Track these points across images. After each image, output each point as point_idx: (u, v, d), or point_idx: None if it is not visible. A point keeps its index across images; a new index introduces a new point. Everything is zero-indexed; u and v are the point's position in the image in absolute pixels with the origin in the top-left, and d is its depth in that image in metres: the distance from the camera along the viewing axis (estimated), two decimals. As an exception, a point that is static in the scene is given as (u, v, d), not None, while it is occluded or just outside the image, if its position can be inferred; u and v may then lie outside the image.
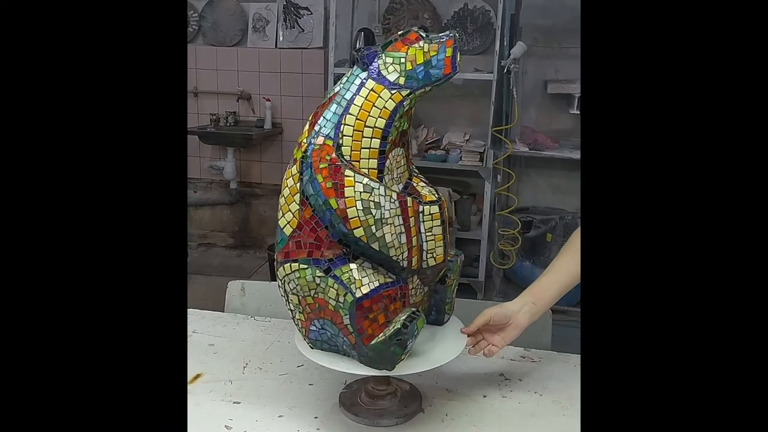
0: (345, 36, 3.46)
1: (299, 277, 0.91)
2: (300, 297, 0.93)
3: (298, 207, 0.90)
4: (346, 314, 0.90)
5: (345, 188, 0.86)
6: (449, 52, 0.90)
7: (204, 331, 1.32)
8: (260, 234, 4.29)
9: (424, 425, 1.01)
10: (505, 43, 3.07)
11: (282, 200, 0.93)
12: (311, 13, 3.84)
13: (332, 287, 0.90)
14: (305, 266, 0.91)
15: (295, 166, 0.92)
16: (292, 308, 0.96)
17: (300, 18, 3.86)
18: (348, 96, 0.88)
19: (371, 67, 0.89)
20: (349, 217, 0.87)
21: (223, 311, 1.46)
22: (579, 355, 1.17)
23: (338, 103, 0.89)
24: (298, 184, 0.91)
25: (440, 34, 0.91)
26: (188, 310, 1.25)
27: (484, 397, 1.08)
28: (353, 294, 0.88)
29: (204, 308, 1.42)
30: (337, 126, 0.88)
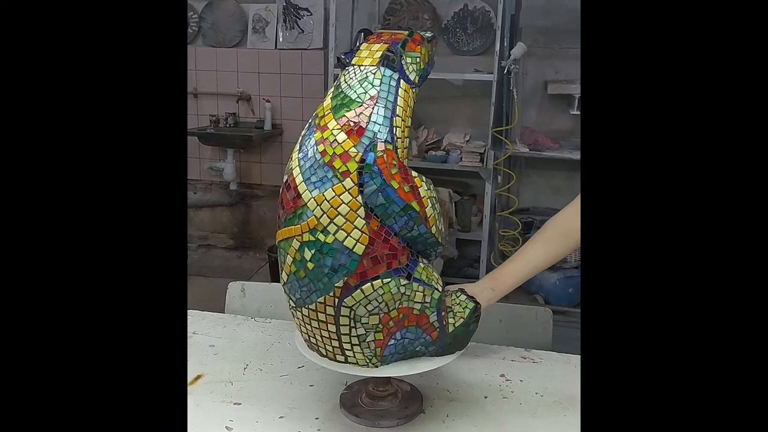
0: (345, 37, 3.47)
1: (383, 293, 0.87)
2: (382, 315, 0.88)
3: (364, 221, 0.84)
4: (433, 312, 0.91)
5: (419, 189, 0.87)
6: (433, 51, 0.94)
7: (204, 333, 1.31)
8: (260, 235, 4.29)
9: (425, 426, 1.01)
10: (505, 44, 3.08)
11: (340, 220, 0.83)
12: (311, 14, 3.84)
13: (418, 291, 0.89)
14: (388, 279, 0.86)
15: (348, 179, 0.83)
16: (364, 332, 0.89)
17: (300, 19, 3.86)
18: (391, 98, 0.87)
19: (401, 68, 0.89)
20: (428, 216, 0.87)
21: (224, 312, 1.46)
22: (579, 356, 1.18)
23: (384, 107, 0.86)
24: (359, 197, 0.84)
25: (426, 35, 0.94)
26: (188, 311, 1.25)
27: (485, 397, 1.08)
28: (438, 290, 0.91)
29: (204, 309, 1.42)
30: (390, 129, 0.86)
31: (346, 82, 0.90)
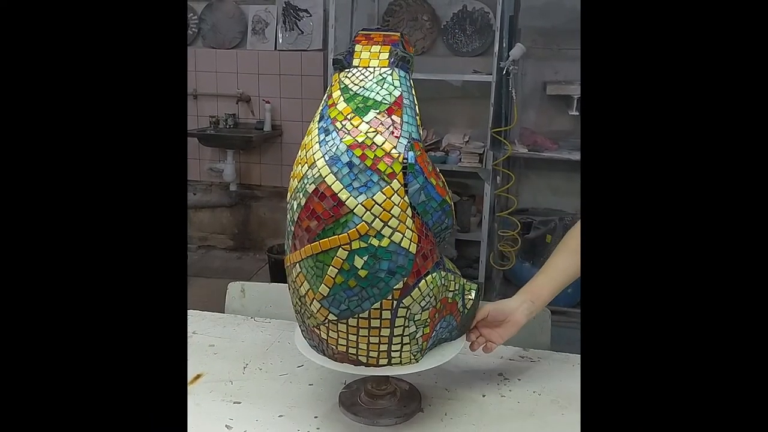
0: (344, 38, 3.47)
1: (433, 287, 0.89)
2: (431, 309, 0.91)
3: (412, 220, 0.85)
4: (459, 297, 0.97)
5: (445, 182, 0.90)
6: None
7: (204, 332, 1.32)
8: (260, 236, 4.29)
9: (424, 425, 1.01)
10: (504, 45, 3.08)
11: (394, 222, 0.84)
12: (310, 15, 3.85)
13: (452, 280, 0.95)
14: (434, 273, 0.89)
15: (396, 180, 0.83)
16: (415, 329, 0.91)
17: (299, 20, 3.86)
18: (411, 98, 0.88)
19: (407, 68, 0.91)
20: (452, 206, 0.91)
21: (223, 313, 1.46)
22: (578, 355, 1.18)
23: (409, 107, 0.87)
24: (405, 197, 0.85)
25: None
26: (188, 311, 1.26)
27: (483, 396, 1.09)
28: (460, 275, 0.97)
29: (204, 310, 1.43)
30: (416, 128, 0.87)
31: (357, 84, 0.88)
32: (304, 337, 0.99)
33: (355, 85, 0.89)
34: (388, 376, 1.02)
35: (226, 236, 4.37)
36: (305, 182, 0.86)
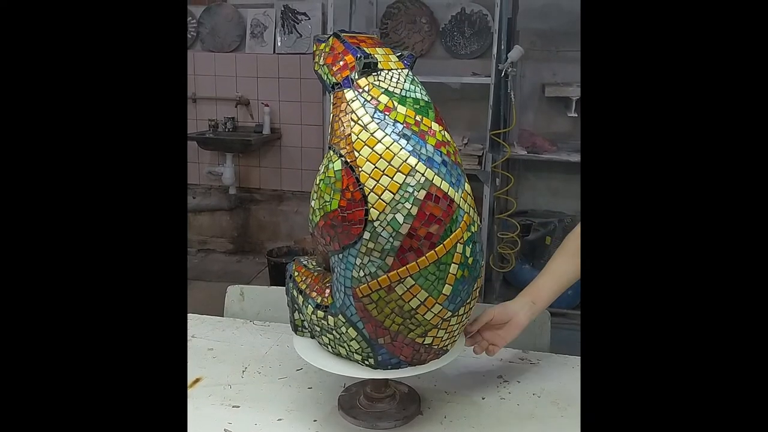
0: (343, 41, 3.46)
1: None
2: None
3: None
4: None
5: None
6: None
7: (203, 336, 1.32)
8: (259, 239, 4.29)
9: (423, 427, 1.01)
10: (503, 47, 3.08)
11: (475, 207, 0.92)
12: (309, 19, 3.85)
13: None
14: None
15: (466, 181, 0.91)
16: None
17: (298, 23, 3.87)
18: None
19: None
20: None
21: (222, 316, 1.46)
22: (577, 357, 1.18)
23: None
24: None
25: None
26: (187, 315, 1.26)
27: (483, 399, 1.09)
28: None
29: (203, 313, 1.42)
30: None
31: (397, 87, 0.88)
32: (373, 360, 0.93)
33: (396, 87, 0.88)
34: (387, 379, 1.02)
35: (226, 240, 4.37)
36: (409, 190, 0.83)
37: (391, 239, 0.83)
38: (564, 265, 1.12)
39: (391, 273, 0.85)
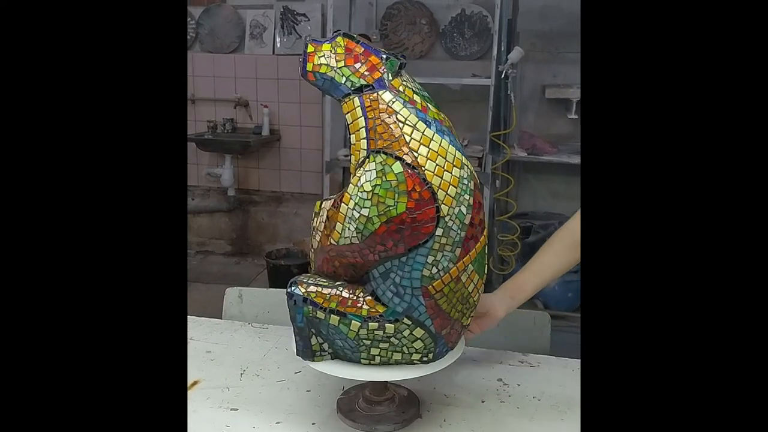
0: (342, 42, 3.46)
1: None
2: None
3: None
4: None
5: None
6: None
7: (201, 338, 1.31)
8: (258, 241, 4.29)
9: (422, 431, 1.00)
10: (503, 48, 3.08)
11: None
12: (308, 20, 3.85)
13: None
14: None
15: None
16: None
17: (297, 24, 3.87)
18: None
19: None
20: None
21: (221, 318, 1.46)
22: (577, 360, 1.18)
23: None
24: None
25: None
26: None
27: (482, 402, 1.08)
28: None
29: (202, 316, 1.42)
30: None
31: (415, 86, 0.90)
32: (432, 354, 0.95)
33: (416, 87, 0.90)
34: (386, 381, 1.02)
35: (225, 241, 4.37)
36: (465, 182, 0.86)
37: (459, 231, 0.86)
38: (548, 262, 1.14)
39: (459, 263, 0.88)
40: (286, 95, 3.98)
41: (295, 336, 0.95)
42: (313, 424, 1.02)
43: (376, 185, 0.83)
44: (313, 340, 0.94)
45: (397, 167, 0.83)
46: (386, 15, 3.67)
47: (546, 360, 1.24)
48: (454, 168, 0.85)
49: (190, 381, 1.13)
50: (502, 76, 3.03)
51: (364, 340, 0.91)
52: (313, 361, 0.96)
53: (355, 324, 0.90)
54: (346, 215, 0.85)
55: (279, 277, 3.62)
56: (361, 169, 0.84)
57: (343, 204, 0.85)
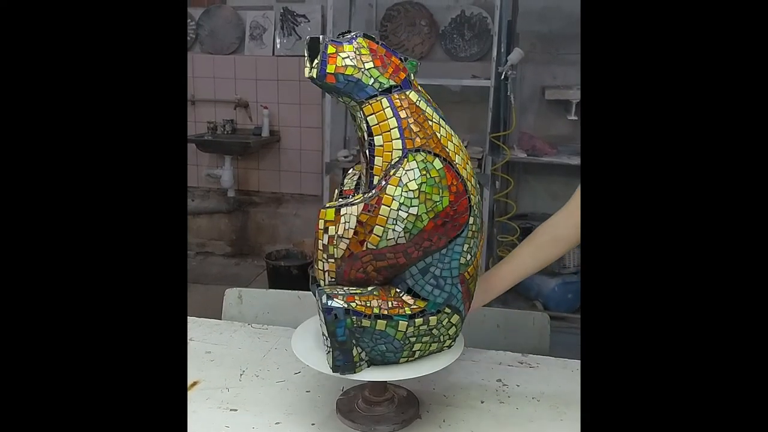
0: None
1: None
2: None
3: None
4: None
5: None
6: None
7: (201, 339, 1.31)
8: (258, 242, 4.28)
9: (422, 431, 1.00)
10: (503, 50, 3.08)
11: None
12: (308, 21, 3.85)
13: None
14: None
15: None
16: None
17: (297, 25, 3.87)
18: None
19: None
20: None
21: (221, 319, 1.46)
22: (577, 361, 1.18)
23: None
24: None
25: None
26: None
27: (482, 402, 1.08)
28: None
29: (201, 316, 1.42)
30: None
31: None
32: (457, 336, 1.00)
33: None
34: (385, 382, 1.02)
35: (224, 242, 4.37)
36: (476, 173, 0.94)
37: (480, 216, 0.93)
38: (527, 257, 1.14)
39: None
40: (286, 96, 3.98)
41: (333, 351, 0.89)
42: (313, 424, 1.02)
43: (422, 183, 0.85)
44: (354, 352, 0.91)
45: (438, 163, 0.86)
46: (386, 16, 3.67)
47: (545, 361, 1.24)
48: (469, 160, 0.92)
49: (189, 381, 1.13)
50: (502, 77, 3.03)
51: (410, 338, 0.92)
52: (354, 372, 0.92)
53: (403, 324, 0.90)
54: (388, 217, 0.85)
55: (279, 278, 3.61)
56: (400, 169, 0.85)
57: (383, 206, 0.85)
